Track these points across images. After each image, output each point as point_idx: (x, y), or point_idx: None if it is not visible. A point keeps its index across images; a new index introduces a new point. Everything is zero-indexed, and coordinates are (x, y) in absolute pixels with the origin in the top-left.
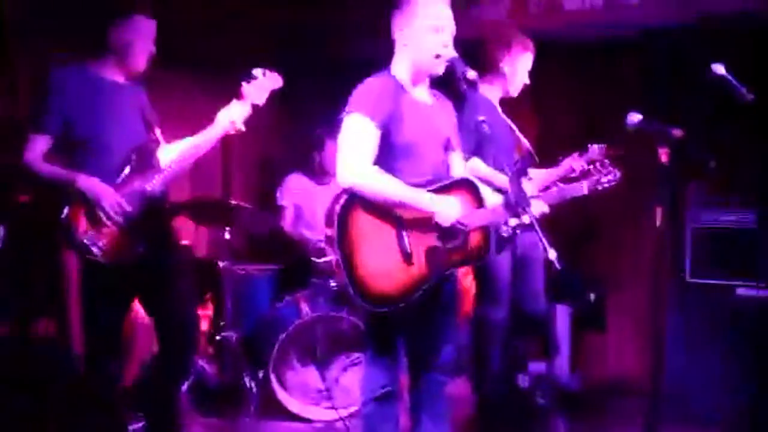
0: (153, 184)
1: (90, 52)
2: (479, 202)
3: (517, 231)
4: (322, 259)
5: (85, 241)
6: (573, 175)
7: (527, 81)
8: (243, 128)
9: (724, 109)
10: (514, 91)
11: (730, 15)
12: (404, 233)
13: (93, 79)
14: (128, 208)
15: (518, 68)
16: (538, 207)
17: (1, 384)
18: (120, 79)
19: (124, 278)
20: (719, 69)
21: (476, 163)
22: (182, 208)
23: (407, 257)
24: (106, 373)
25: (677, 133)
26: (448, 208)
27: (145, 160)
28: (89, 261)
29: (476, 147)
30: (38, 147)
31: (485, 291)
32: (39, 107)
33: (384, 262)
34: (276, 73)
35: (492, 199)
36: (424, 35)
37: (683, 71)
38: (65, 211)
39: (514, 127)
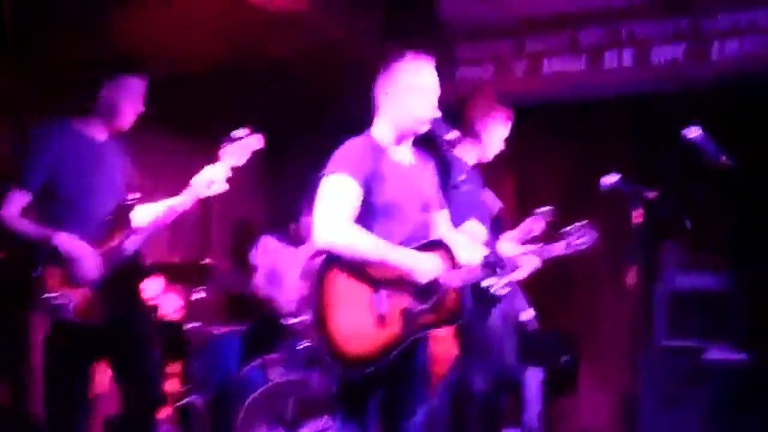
0: (128, 244)
1: (75, 109)
2: (453, 262)
3: (503, 291)
4: (296, 320)
5: (58, 300)
6: (534, 235)
7: (502, 147)
8: (221, 189)
9: (698, 171)
10: (489, 156)
11: (706, 81)
12: (379, 294)
13: (77, 137)
14: (102, 269)
15: (495, 135)
16: (532, 262)
17: None
18: (103, 137)
19: (93, 339)
20: (693, 132)
21: (474, 225)
22: (155, 270)
23: (381, 319)
24: None
25: (651, 194)
26: (429, 265)
27: (122, 220)
28: (59, 321)
29: (449, 206)
30: (16, 203)
31: (469, 356)
32: (20, 164)
33: (357, 323)
34: (257, 134)
35: (466, 259)
36: (409, 97)
37: (659, 133)
38: (39, 269)
39: (487, 189)
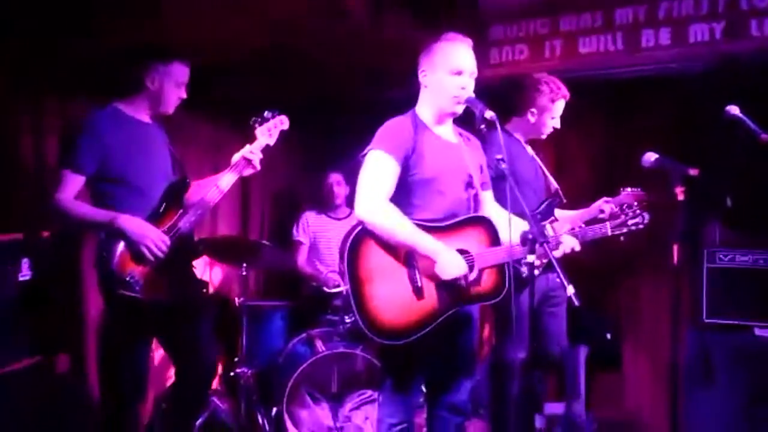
0: (183, 223)
1: (118, 91)
2: (494, 240)
3: (536, 270)
4: (335, 290)
5: (128, 279)
6: (602, 217)
7: (557, 125)
8: (258, 167)
9: (742, 149)
10: (544, 133)
11: (746, 57)
12: (416, 267)
13: (125, 119)
14: (169, 246)
15: (548, 112)
16: (570, 243)
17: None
18: (147, 119)
19: (155, 316)
20: (734, 110)
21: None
22: (208, 246)
23: (418, 291)
24: (132, 416)
25: (693, 171)
26: (450, 264)
27: (178, 199)
28: (123, 300)
29: (494, 185)
30: (71, 187)
31: (504, 331)
32: (73, 147)
33: (394, 295)
34: (284, 115)
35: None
36: (444, 78)
37: (702, 112)
38: (106, 250)
39: (543, 167)
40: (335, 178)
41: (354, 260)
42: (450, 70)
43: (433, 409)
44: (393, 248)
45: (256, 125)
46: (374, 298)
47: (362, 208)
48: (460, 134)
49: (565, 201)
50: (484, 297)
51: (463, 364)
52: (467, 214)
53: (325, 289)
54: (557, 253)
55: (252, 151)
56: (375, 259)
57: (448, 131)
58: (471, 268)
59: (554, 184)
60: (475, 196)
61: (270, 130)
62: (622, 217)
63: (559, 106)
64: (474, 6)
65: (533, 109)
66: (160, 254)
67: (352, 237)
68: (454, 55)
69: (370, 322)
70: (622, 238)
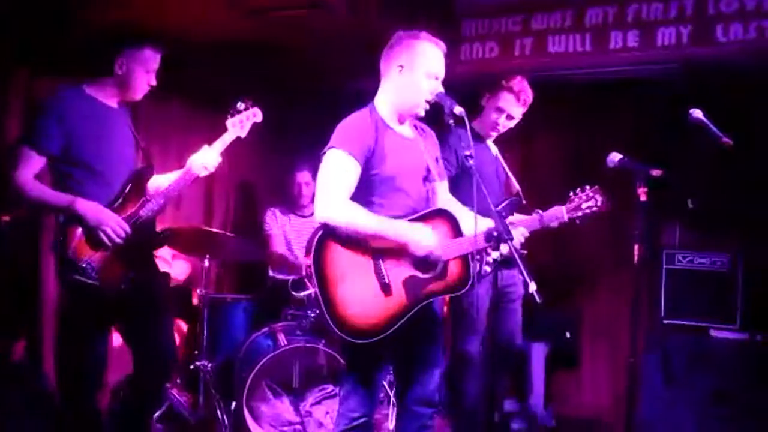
0: (145, 211)
1: (86, 73)
2: (457, 232)
3: (499, 265)
4: (302, 294)
5: (83, 265)
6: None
7: (509, 125)
8: (211, 170)
9: (705, 152)
10: (496, 133)
11: (712, 62)
12: (382, 264)
13: (91, 102)
14: (128, 233)
15: (505, 113)
16: (518, 234)
17: None
18: (113, 104)
19: (111, 303)
20: (697, 113)
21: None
22: (169, 236)
23: (386, 288)
24: (90, 405)
25: (656, 172)
26: (422, 237)
27: (140, 187)
28: (78, 286)
29: (458, 180)
30: (32, 167)
31: (462, 325)
32: (37, 126)
33: (363, 293)
34: (257, 108)
35: (471, 228)
36: (421, 79)
37: (666, 114)
38: (63, 234)
39: (506, 167)
40: (304, 178)
41: (320, 262)
42: (428, 73)
43: (402, 404)
44: (358, 246)
45: (228, 116)
46: (343, 298)
47: (324, 210)
48: (415, 126)
49: (525, 202)
50: (451, 288)
51: (430, 355)
52: (426, 208)
53: (295, 276)
54: (515, 243)
55: (208, 156)
56: (341, 259)
57: (405, 126)
58: (439, 261)
59: (516, 185)
60: (432, 188)
61: (242, 122)
62: (576, 200)
63: (519, 110)
64: (449, 1)
65: (497, 107)
66: (118, 240)
67: (316, 240)
68: (436, 59)
69: (340, 323)
70: (578, 221)
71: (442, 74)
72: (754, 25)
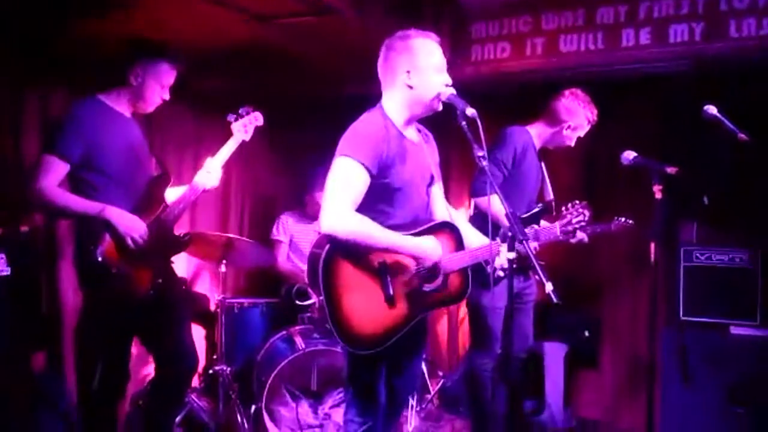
0: (167, 217)
1: (99, 85)
2: (459, 244)
3: (514, 265)
4: (306, 303)
5: (115, 271)
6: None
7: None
8: (215, 183)
9: (720, 148)
10: (568, 146)
11: (725, 58)
12: (388, 277)
13: (107, 111)
14: (152, 238)
15: (580, 129)
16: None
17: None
18: (127, 113)
19: (134, 312)
20: (712, 110)
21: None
22: (188, 242)
23: (390, 300)
24: (109, 413)
25: (671, 169)
26: (431, 250)
27: (158, 194)
28: (109, 293)
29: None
30: (55, 175)
31: (477, 338)
32: (59, 133)
33: (367, 305)
34: (258, 112)
35: (473, 239)
36: (432, 77)
37: (680, 111)
38: (92, 242)
39: (546, 176)
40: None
41: (328, 275)
42: (436, 67)
43: (391, 408)
44: (364, 258)
45: (232, 121)
46: (348, 309)
47: (330, 222)
48: (419, 130)
49: (554, 213)
50: (450, 299)
51: (415, 367)
52: (426, 217)
53: (302, 285)
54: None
55: (208, 177)
56: (347, 272)
57: (412, 131)
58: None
59: (551, 194)
60: (430, 192)
61: (245, 126)
62: (567, 216)
63: (587, 128)
64: (456, 2)
65: (570, 123)
66: (143, 248)
67: (324, 252)
68: (436, 51)
69: (345, 334)
70: (587, 240)
71: (444, 65)
72: (767, 20)
